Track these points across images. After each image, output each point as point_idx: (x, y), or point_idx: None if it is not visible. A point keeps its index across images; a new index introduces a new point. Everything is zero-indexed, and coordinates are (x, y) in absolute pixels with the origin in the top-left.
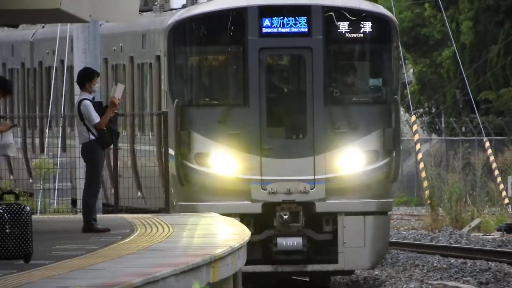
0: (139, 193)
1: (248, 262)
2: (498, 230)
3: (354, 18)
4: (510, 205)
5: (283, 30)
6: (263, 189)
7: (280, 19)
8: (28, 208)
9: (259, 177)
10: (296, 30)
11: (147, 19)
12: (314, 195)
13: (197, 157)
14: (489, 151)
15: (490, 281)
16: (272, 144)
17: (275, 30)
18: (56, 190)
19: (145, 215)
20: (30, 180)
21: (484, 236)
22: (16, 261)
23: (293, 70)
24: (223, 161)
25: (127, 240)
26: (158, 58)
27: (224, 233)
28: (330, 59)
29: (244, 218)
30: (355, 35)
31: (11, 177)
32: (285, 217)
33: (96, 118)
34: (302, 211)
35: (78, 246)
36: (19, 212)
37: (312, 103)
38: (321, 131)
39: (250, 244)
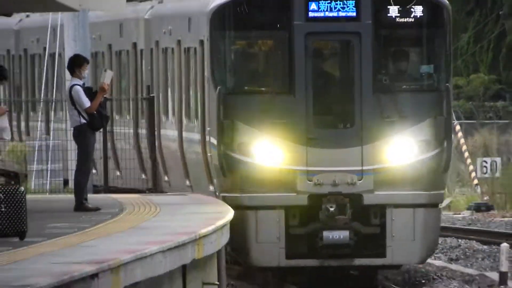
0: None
1: (293, 256)
2: (467, 209)
3: (404, 2)
4: (479, 186)
5: (331, 14)
6: (309, 180)
7: (327, 3)
8: (22, 189)
9: (305, 168)
10: (344, 14)
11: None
12: (362, 186)
13: (241, 147)
14: (460, 134)
15: (460, 258)
16: (318, 133)
17: (322, 14)
18: (49, 172)
19: (134, 195)
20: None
21: (455, 215)
22: (11, 239)
23: (341, 56)
24: (268, 151)
25: (116, 218)
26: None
27: (208, 212)
28: (380, 45)
29: (289, 210)
30: (405, 20)
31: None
32: (331, 209)
33: (86, 102)
34: (349, 204)
35: (70, 225)
36: (13, 192)
37: (360, 91)
38: (369, 120)
39: (295, 237)
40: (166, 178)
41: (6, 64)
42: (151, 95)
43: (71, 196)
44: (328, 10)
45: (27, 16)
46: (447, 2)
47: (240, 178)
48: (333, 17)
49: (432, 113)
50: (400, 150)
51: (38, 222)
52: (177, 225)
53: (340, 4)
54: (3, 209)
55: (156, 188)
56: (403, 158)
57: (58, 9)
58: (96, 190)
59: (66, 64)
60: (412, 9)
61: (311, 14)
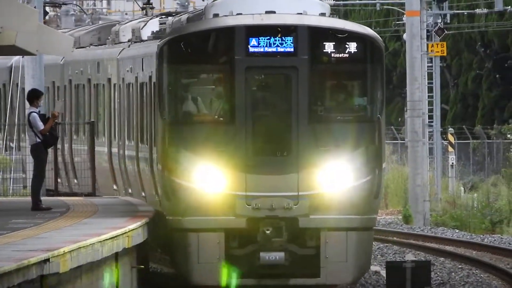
0: (75, 181)
1: (233, 276)
2: None
3: (339, 39)
4: None
5: (269, 49)
6: (247, 205)
7: (267, 39)
8: None
9: (244, 193)
10: (282, 50)
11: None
12: (297, 211)
13: (184, 173)
14: None
15: None
16: (257, 161)
17: (261, 49)
18: (12, 179)
19: (78, 198)
20: None
21: None
22: None
23: (279, 88)
24: (209, 177)
25: (64, 216)
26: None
27: (137, 212)
28: (315, 78)
29: (229, 232)
30: (340, 55)
31: None
32: (268, 232)
33: (41, 126)
34: (285, 227)
35: (27, 221)
36: None
37: (297, 121)
38: (305, 149)
39: (234, 258)
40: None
41: None
42: (92, 120)
43: (28, 199)
44: (267, 45)
45: None
46: (380, 39)
47: (183, 202)
48: (272, 52)
49: (364, 143)
50: (334, 177)
51: (3, 219)
52: (112, 221)
53: (278, 40)
54: None
55: (94, 192)
56: (337, 184)
57: (20, 53)
58: (49, 194)
59: (25, 96)
60: (346, 46)
61: (251, 49)
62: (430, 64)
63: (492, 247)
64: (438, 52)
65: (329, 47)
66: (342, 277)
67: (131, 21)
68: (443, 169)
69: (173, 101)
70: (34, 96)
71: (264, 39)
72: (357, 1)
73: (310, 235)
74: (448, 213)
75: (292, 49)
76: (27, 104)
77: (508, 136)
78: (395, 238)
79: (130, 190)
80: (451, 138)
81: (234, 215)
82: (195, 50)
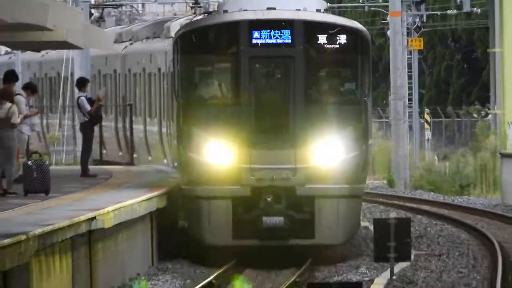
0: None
1: (238, 237)
2: None
3: (331, 31)
4: None
5: (270, 41)
6: (251, 176)
7: (267, 32)
8: (47, 162)
9: (248, 166)
10: (281, 41)
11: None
12: (295, 181)
13: (196, 148)
14: None
15: None
16: (260, 138)
17: (263, 41)
18: (64, 152)
19: (119, 167)
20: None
21: None
22: (40, 194)
23: (279, 75)
24: (219, 151)
25: (107, 181)
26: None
27: (162, 180)
28: (310, 66)
29: (235, 200)
30: (332, 46)
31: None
32: (269, 199)
33: (88, 107)
34: (284, 195)
35: (78, 185)
36: (42, 164)
37: (294, 103)
38: (301, 127)
39: (241, 222)
40: (135, 155)
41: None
42: (130, 103)
43: (78, 167)
44: (268, 37)
45: (47, 52)
46: (367, 32)
47: (196, 173)
48: (272, 43)
49: (352, 122)
50: (327, 151)
51: (57, 184)
52: (147, 186)
53: (278, 33)
54: (35, 175)
55: (132, 162)
56: (329, 158)
57: (70, 47)
58: (95, 163)
59: (75, 83)
60: (337, 37)
61: (254, 41)
62: (409, 56)
63: (461, 207)
64: (416, 46)
65: (322, 38)
66: (333, 238)
67: (181, 18)
68: (421, 143)
69: (186, 85)
70: (81, 83)
71: (265, 32)
72: (349, 4)
73: (306, 202)
74: (424, 179)
75: (289, 41)
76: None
77: (474, 115)
78: (381, 199)
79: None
80: (427, 117)
81: (240, 184)
82: (204, 41)
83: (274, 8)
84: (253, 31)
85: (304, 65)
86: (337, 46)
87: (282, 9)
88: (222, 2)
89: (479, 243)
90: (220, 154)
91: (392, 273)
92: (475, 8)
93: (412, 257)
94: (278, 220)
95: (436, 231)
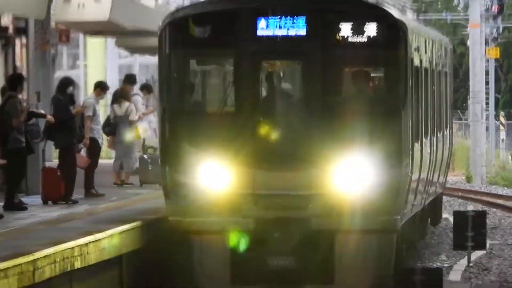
0: None
1: (240, 282)
2: None
3: (357, 21)
4: None
5: (279, 33)
6: (255, 205)
7: (277, 20)
8: None
9: (251, 191)
10: (293, 33)
11: None
12: (310, 211)
13: (187, 169)
14: None
15: None
16: (266, 156)
17: (270, 33)
18: None
19: None
20: None
21: None
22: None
23: (290, 76)
24: (214, 173)
25: None
26: None
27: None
28: (330, 65)
29: (234, 235)
30: (358, 40)
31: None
32: (277, 235)
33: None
34: (297, 229)
35: None
36: (156, 158)
37: (309, 113)
38: (318, 144)
39: (242, 263)
40: None
41: None
42: None
43: None
44: (277, 28)
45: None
46: (407, 21)
47: (185, 201)
48: (282, 36)
49: (384, 138)
50: (350, 174)
51: None
52: None
53: (290, 21)
54: (150, 168)
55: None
56: (353, 182)
57: None
58: None
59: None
60: (364, 29)
61: (259, 32)
62: (487, 64)
63: None
64: (493, 55)
65: (346, 30)
66: (358, 284)
67: None
68: (496, 143)
69: (174, 88)
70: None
71: (274, 20)
72: (433, 17)
73: (323, 238)
74: (499, 175)
75: (304, 32)
76: None
77: None
78: (459, 194)
79: None
80: (502, 119)
81: (241, 215)
82: (197, 33)
83: None
84: (258, 19)
85: (321, 64)
86: (365, 40)
87: None
88: None
89: None
90: (216, 176)
91: (469, 261)
92: None
93: (487, 246)
94: (288, 260)
95: (509, 223)
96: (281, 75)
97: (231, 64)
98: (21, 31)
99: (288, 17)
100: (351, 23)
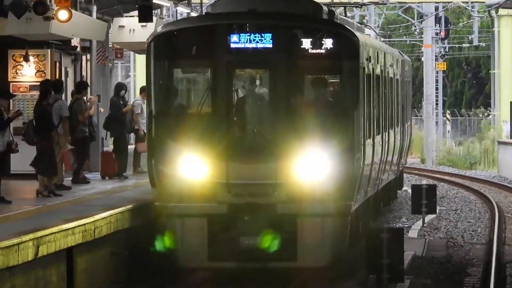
0: None
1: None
2: None
3: (316, 36)
4: None
5: (249, 45)
6: (229, 192)
7: (247, 35)
8: None
9: (225, 181)
10: (261, 46)
11: None
12: (276, 198)
13: (170, 162)
14: None
15: None
16: (238, 150)
17: (242, 46)
18: None
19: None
20: None
21: None
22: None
23: (259, 82)
24: (193, 165)
25: None
26: None
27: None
28: (293, 73)
29: (211, 218)
30: (316, 51)
31: None
32: (247, 218)
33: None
34: (264, 213)
35: None
36: None
37: (275, 113)
38: (283, 140)
39: (217, 242)
40: None
41: None
42: None
43: None
44: (248, 42)
45: None
46: (358, 36)
47: (168, 189)
48: (252, 48)
49: (339, 135)
50: (310, 166)
51: None
52: None
53: (258, 36)
54: None
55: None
56: (313, 173)
57: None
58: None
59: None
60: (322, 42)
61: (232, 45)
62: (436, 74)
63: (470, 177)
64: (441, 68)
65: (306, 43)
66: (317, 261)
67: None
68: (443, 133)
69: (159, 92)
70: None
71: (244, 36)
72: (395, 39)
73: (287, 221)
74: (445, 158)
75: (270, 45)
76: None
77: (480, 115)
78: (416, 172)
79: None
80: (448, 116)
81: (216, 201)
82: (178, 45)
83: (255, 10)
84: (231, 35)
85: (286, 71)
86: (322, 51)
87: (264, 11)
88: (209, 5)
89: (482, 202)
90: (195, 168)
91: (423, 222)
92: (481, 43)
93: (437, 211)
94: (256, 240)
95: (453, 194)
96: (257, 82)
97: (208, 72)
98: (86, 49)
99: (257, 33)
100: (311, 38)
